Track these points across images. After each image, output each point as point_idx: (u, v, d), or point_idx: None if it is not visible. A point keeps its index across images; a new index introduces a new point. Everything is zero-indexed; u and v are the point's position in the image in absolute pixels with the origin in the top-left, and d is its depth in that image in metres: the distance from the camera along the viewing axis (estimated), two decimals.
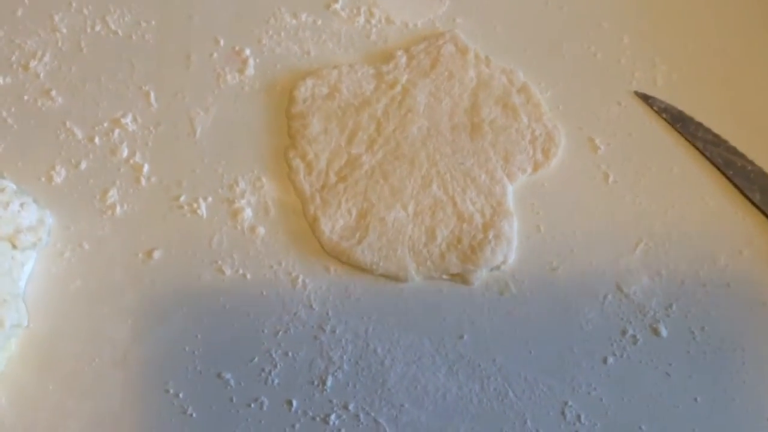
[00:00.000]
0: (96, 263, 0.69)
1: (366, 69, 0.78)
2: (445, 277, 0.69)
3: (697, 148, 0.74)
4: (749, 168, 0.73)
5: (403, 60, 0.78)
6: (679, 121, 0.76)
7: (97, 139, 0.74)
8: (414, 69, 0.78)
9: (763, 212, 0.71)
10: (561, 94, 0.78)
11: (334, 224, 0.70)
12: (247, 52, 0.80)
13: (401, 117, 0.75)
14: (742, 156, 0.73)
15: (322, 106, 0.76)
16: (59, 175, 0.73)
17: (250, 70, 0.79)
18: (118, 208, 0.71)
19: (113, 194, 0.72)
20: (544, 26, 0.82)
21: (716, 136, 0.75)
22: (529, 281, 0.69)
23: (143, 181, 0.72)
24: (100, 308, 0.67)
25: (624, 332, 0.66)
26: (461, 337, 0.66)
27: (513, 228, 0.70)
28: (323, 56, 0.80)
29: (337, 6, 0.83)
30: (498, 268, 0.69)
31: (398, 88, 0.77)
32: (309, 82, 0.77)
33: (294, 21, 0.82)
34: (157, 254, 0.69)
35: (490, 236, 0.69)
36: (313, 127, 0.74)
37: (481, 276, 0.68)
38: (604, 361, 0.65)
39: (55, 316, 0.66)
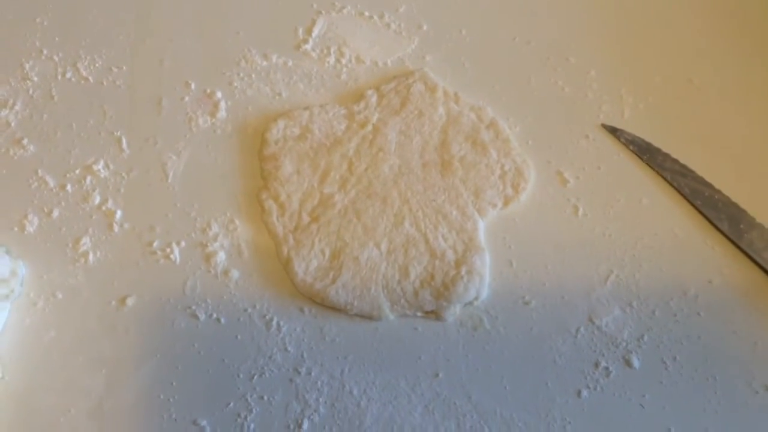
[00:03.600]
0: (70, 313, 0.68)
1: (337, 109, 0.79)
2: (419, 314, 0.69)
3: (665, 179, 0.75)
4: (717, 197, 0.74)
5: (374, 99, 0.79)
6: (646, 153, 0.77)
7: (69, 187, 0.75)
8: (384, 108, 0.79)
9: (732, 241, 0.72)
10: (530, 128, 0.79)
11: (307, 265, 0.70)
12: (219, 94, 0.80)
13: (373, 156, 0.76)
14: (709, 186, 0.74)
15: (294, 147, 0.76)
16: (32, 224, 0.73)
17: (221, 113, 0.79)
18: (90, 256, 0.71)
19: (86, 242, 0.72)
20: (512, 62, 0.84)
21: (683, 166, 0.76)
22: (503, 316, 0.69)
23: (116, 228, 0.73)
24: (75, 358, 0.67)
25: (597, 365, 0.67)
26: (437, 375, 0.66)
27: (485, 263, 0.71)
28: (294, 97, 0.81)
29: (308, 47, 0.84)
30: (471, 303, 0.69)
31: (369, 127, 0.77)
32: (281, 123, 0.78)
33: (265, 63, 0.82)
34: (130, 301, 0.69)
35: (463, 272, 0.69)
36: (285, 168, 0.75)
37: (454, 312, 0.69)
38: (578, 394, 0.66)
39: (29, 368, 0.66)
